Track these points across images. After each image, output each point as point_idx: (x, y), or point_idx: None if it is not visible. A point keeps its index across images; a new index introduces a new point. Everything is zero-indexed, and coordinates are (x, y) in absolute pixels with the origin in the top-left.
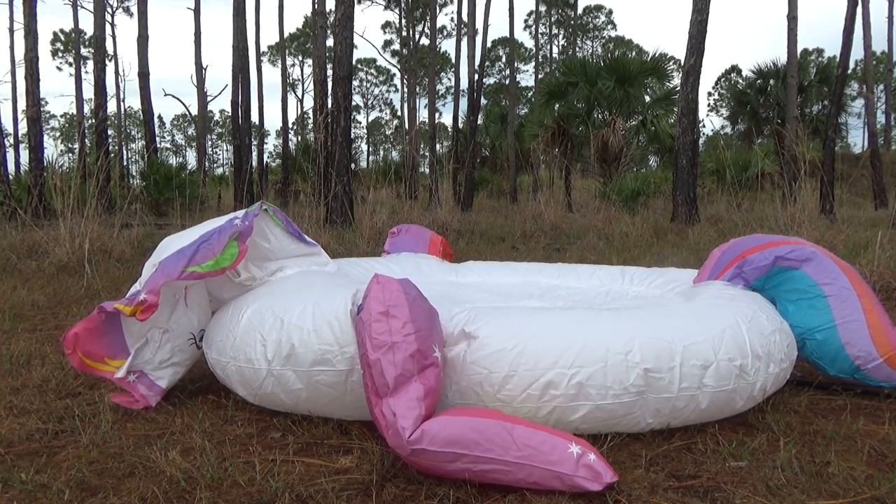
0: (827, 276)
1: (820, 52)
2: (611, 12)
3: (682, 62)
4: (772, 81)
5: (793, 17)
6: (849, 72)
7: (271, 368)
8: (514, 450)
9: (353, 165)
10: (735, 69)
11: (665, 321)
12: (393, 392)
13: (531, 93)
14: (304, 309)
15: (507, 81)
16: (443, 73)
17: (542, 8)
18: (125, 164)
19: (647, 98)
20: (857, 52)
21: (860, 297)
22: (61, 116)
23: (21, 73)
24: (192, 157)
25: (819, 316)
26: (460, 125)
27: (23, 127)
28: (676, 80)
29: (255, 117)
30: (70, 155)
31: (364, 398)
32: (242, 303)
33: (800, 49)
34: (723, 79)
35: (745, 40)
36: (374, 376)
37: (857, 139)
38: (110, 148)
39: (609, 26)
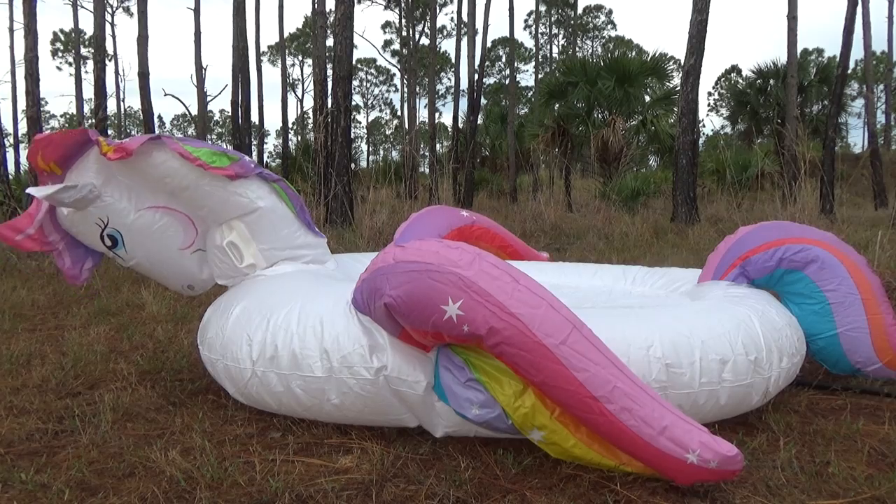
0: (831, 281)
1: (820, 52)
2: (611, 12)
3: (682, 62)
4: (772, 81)
5: (793, 17)
6: (849, 71)
7: (255, 369)
8: (652, 392)
9: (352, 165)
10: (735, 69)
11: (681, 317)
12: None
13: (531, 93)
14: (291, 311)
15: (507, 81)
16: (443, 73)
17: (542, 8)
18: None
19: (647, 98)
20: (857, 52)
21: (865, 300)
22: (61, 116)
23: (21, 72)
24: None
25: (821, 322)
26: (460, 125)
27: (23, 127)
28: (676, 80)
29: (255, 117)
30: None
31: (346, 409)
32: (232, 299)
33: (800, 49)
34: (723, 79)
35: (745, 40)
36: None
37: (857, 139)
38: None
39: (609, 26)
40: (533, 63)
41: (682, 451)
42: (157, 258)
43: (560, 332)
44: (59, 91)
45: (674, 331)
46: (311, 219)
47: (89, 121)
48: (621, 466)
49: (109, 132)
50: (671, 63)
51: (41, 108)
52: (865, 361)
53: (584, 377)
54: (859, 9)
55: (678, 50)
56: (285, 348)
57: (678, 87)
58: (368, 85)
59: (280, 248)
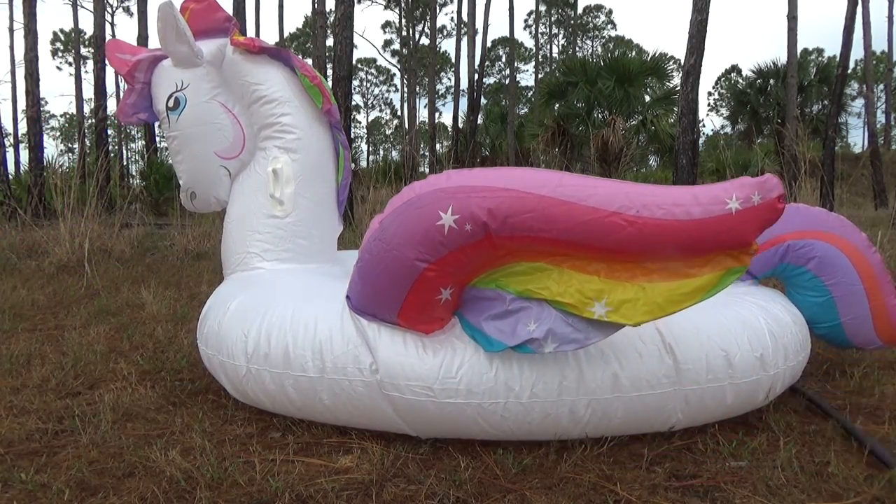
0: (833, 275)
1: (820, 51)
2: (611, 12)
3: (682, 62)
4: (772, 81)
5: (793, 16)
6: (849, 71)
7: (250, 366)
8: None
9: (352, 165)
10: (735, 69)
11: (687, 313)
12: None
13: (531, 92)
14: (286, 307)
15: (507, 81)
16: (443, 73)
17: (542, 8)
18: (125, 163)
19: (647, 98)
20: (857, 52)
21: (867, 288)
22: (61, 116)
23: (21, 72)
24: None
25: (825, 313)
26: (460, 125)
27: (23, 127)
28: (676, 80)
29: None
30: (70, 155)
31: (338, 410)
32: (230, 293)
33: (800, 49)
34: (723, 78)
35: (745, 40)
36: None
37: (857, 139)
38: (110, 148)
39: (609, 26)
40: (533, 63)
41: (721, 204)
42: (193, 143)
43: (550, 182)
44: (59, 91)
45: (680, 326)
46: (343, 204)
47: (89, 121)
48: (690, 287)
49: (109, 132)
50: (671, 63)
51: (41, 108)
52: (867, 342)
53: (595, 201)
54: (859, 8)
55: (678, 50)
56: (279, 346)
57: (678, 87)
58: (368, 85)
59: (309, 203)
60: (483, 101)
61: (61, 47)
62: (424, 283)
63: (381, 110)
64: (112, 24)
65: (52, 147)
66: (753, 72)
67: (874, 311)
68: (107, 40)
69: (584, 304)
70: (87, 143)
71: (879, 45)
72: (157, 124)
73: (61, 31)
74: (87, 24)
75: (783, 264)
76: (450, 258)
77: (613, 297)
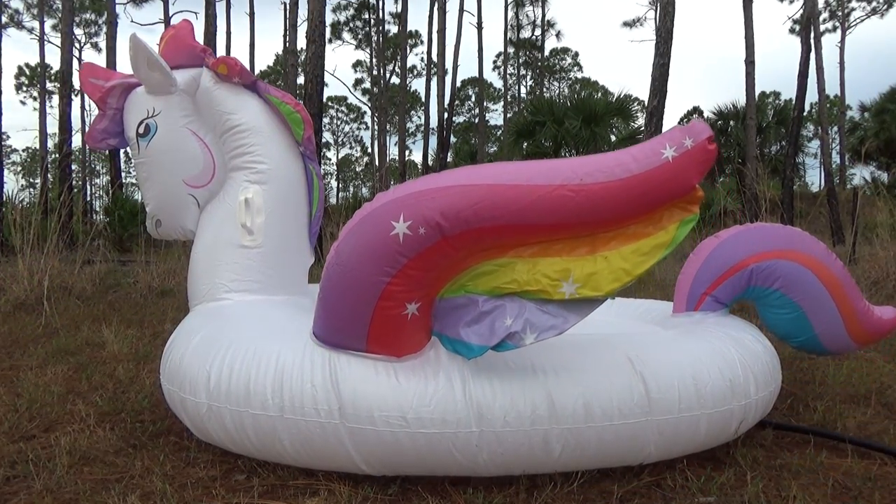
0: (800, 291)
1: (777, 94)
2: (577, 55)
3: (646, 103)
4: (732, 122)
5: (750, 61)
6: (804, 114)
7: (211, 403)
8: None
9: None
10: (697, 110)
11: (658, 342)
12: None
13: (500, 131)
14: (250, 342)
15: (477, 120)
16: (413, 112)
17: (511, 50)
18: (89, 199)
19: (613, 137)
20: (811, 96)
21: (835, 297)
22: (23, 151)
23: None
24: None
25: (799, 327)
26: (430, 162)
27: None
28: (641, 121)
29: None
30: (31, 190)
31: (297, 452)
32: (195, 326)
33: (757, 92)
34: (685, 119)
35: (706, 83)
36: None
37: (814, 178)
38: (74, 183)
39: (575, 68)
40: (501, 102)
41: (658, 155)
42: (162, 170)
43: (493, 171)
44: (22, 125)
45: (651, 357)
46: (315, 235)
47: (52, 155)
48: (649, 246)
49: (73, 167)
50: (635, 104)
51: (2, 142)
52: (843, 348)
53: (540, 179)
54: (813, 55)
55: (642, 91)
56: (239, 382)
57: (643, 127)
58: (339, 122)
59: (280, 234)
60: (453, 139)
61: (26, 81)
62: (388, 299)
63: (351, 147)
64: (79, 60)
65: (12, 182)
66: (714, 113)
67: (845, 317)
68: (81, 63)
69: (554, 287)
70: (50, 177)
71: (832, 89)
72: (122, 160)
73: (26, 65)
74: (54, 59)
75: (750, 287)
76: (410, 268)
77: (579, 272)
